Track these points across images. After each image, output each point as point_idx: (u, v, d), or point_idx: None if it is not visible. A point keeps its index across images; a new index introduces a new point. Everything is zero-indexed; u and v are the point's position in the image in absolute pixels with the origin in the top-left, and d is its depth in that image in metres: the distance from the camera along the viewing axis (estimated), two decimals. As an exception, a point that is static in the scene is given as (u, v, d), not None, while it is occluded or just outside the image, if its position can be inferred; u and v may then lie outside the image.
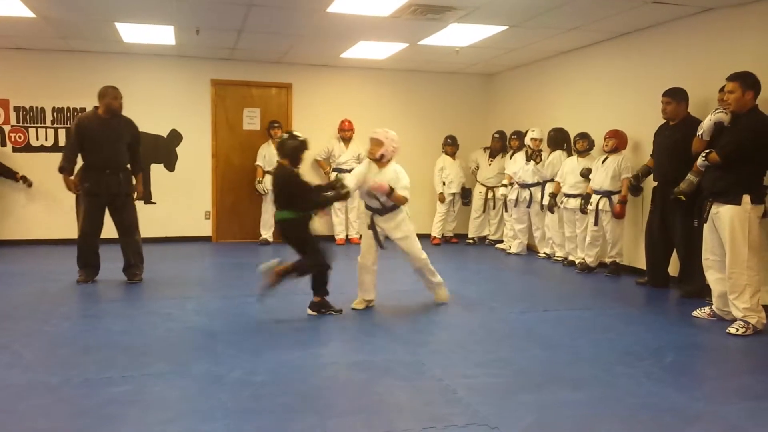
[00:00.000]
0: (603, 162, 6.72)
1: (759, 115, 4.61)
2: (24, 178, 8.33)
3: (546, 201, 7.68)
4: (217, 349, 4.04)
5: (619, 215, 6.58)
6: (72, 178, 5.92)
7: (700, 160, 4.81)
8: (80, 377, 3.47)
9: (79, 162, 5.97)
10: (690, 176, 5.16)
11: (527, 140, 8.00)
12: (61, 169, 5.87)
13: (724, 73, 4.73)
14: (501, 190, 8.52)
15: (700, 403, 3.26)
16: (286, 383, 3.45)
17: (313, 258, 4.83)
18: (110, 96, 5.84)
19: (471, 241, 9.29)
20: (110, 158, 5.82)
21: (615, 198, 6.62)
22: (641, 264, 6.43)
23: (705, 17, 5.82)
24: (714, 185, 4.71)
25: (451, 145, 9.22)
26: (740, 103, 4.59)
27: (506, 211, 8.62)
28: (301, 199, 4.81)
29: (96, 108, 5.92)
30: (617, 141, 6.65)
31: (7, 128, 8.34)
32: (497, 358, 3.91)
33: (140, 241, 6.11)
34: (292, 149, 4.82)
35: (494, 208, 9.11)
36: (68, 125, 8.43)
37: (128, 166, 6.03)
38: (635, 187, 6.34)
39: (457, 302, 5.52)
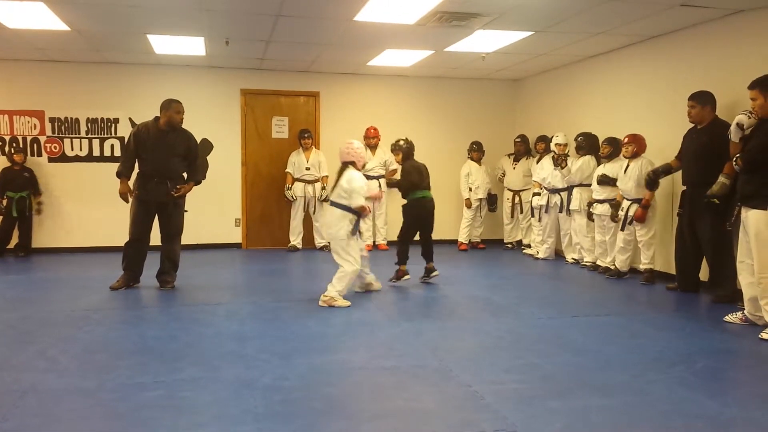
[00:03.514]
0: (626, 170, 6.64)
1: None
2: (39, 204, 8.46)
3: (573, 206, 7.63)
4: (247, 354, 4.09)
5: (640, 219, 6.48)
6: (128, 184, 6.00)
7: (734, 165, 4.78)
8: (114, 382, 3.54)
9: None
10: (722, 178, 5.11)
11: (552, 146, 7.98)
12: (118, 174, 6.01)
13: (754, 76, 4.67)
14: (534, 200, 8.39)
15: (732, 408, 3.22)
16: (316, 388, 3.49)
17: None
18: (173, 110, 5.91)
19: (510, 245, 9.34)
20: (159, 167, 5.92)
21: None
22: (673, 269, 6.34)
23: (734, 19, 5.76)
24: (743, 189, 4.68)
25: (476, 151, 9.21)
26: (764, 108, 4.56)
27: (533, 216, 8.58)
28: None
29: (157, 118, 5.99)
30: (636, 146, 6.58)
31: (42, 139, 8.55)
32: (526, 364, 3.90)
33: (178, 251, 6.19)
34: None
35: (521, 212, 9.10)
36: (102, 135, 8.67)
37: (184, 175, 6.13)
38: (652, 180, 6.18)
39: (485, 308, 5.52)
